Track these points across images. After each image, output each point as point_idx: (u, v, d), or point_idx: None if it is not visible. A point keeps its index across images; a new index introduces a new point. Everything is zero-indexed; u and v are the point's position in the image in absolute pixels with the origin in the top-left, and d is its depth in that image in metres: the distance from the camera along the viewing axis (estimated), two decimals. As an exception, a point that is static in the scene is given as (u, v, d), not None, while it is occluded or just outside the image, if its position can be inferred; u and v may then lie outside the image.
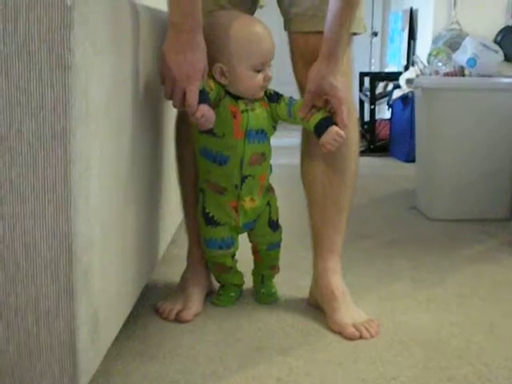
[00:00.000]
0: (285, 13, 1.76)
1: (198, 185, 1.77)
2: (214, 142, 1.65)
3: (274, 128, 1.72)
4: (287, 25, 1.75)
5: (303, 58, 1.71)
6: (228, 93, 1.63)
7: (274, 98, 1.69)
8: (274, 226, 1.83)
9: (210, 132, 1.62)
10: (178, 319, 1.74)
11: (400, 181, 3.88)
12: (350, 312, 1.72)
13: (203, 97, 1.52)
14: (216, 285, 1.93)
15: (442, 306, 1.89)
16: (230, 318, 1.78)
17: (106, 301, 1.29)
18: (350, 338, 1.65)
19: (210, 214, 1.75)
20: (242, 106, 1.63)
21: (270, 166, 1.76)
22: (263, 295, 1.90)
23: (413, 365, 1.52)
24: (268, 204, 1.80)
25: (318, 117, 1.63)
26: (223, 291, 1.89)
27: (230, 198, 1.71)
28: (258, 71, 1.62)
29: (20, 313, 1.09)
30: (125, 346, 1.56)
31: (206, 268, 1.89)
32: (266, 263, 1.90)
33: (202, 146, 1.68)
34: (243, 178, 1.68)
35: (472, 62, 3.14)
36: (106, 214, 1.24)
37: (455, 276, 2.17)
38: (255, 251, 1.89)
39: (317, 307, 1.81)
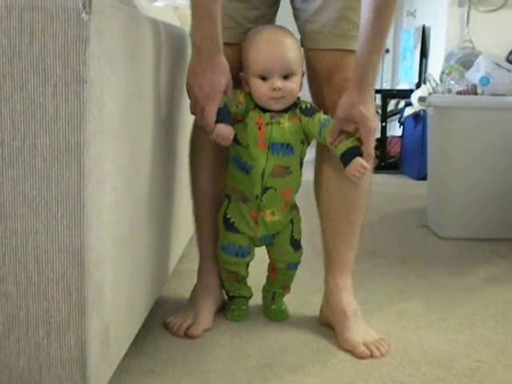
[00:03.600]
0: (301, 30, 1.76)
1: (223, 191, 1.79)
2: (242, 151, 1.68)
3: (304, 142, 1.71)
4: (303, 42, 1.74)
5: (318, 76, 1.72)
6: (257, 105, 1.66)
7: (308, 111, 1.69)
8: (296, 245, 1.83)
9: (238, 141, 1.67)
10: (188, 335, 1.73)
11: (411, 199, 3.86)
12: (360, 331, 1.71)
13: (222, 115, 1.58)
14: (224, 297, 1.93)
15: (453, 326, 1.88)
16: (239, 333, 1.77)
17: (117, 316, 1.28)
18: (361, 357, 1.64)
19: (231, 220, 1.76)
20: (267, 118, 1.65)
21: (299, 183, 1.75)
22: (274, 312, 1.89)
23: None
24: (291, 221, 1.80)
25: (346, 145, 1.62)
26: (235, 305, 1.88)
27: (251, 208, 1.72)
28: (264, 79, 1.63)
29: (31, 327, 1.09)
30: (134, 361, 1.55)
31: (217, 282, 1.89)
32: (280, 282, 1.90)
33: (235, 153, 1.70)
34: (264, 190, 1.69)
35: (485, 80, 3.13)
36: (118, 228, 1.24)
37: (466, 296, 2.16)
38: (272, 268, 1.90)
39: (328, 325, 1.80)
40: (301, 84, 1.69)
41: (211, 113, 1.58)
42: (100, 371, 1.18)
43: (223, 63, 1.57)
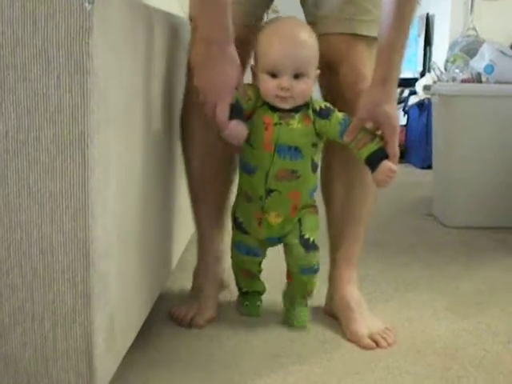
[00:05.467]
0: (308, 15, 1.71)
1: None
2: (248, 151, 1.59)
3: (316, 145, 1.60)
4: (313, 28, 1.63)
5: (326, 65, 1.61)
6: (266, 102, 1.56)
7: (324, 113, 1.57)
8: (308, 245, 1.68)
9: (246, 140, 1.55)
10: (193, 325, 1.71)
11: (416, 188, 3.85)
12: (365, 322, 1.69)
13: (236, 111, 1.49)
14: (229, 278, 1.91)
15: (459, 315, 1.87)
16: (245, 324, 1.76)
17: (123, 307, 1.28)
18: (367, 349, 1.63)
19: (240, 220, 1.70)
20: (275, 118, 1.54)
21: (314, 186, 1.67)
22: (293, 317, 1.75)
23: (430, 374, 1.50)
24: (298, 221, 1.67)
25: (370, 148, 1.53)
26: (249, 301, 1.82)
27: (255, 208, 1.64)
28: (273, 76, 1.52)
29: (37, 319, 1.09)
30: (140, 353, 1.54)
31: (217, 261, 1.83)
32: (297, 288, 1.76)
33: (241, 152, 1.63)
34: (268, 192, 1.59)
35: (489, 68, 3.11)
36: (123, 220, 1.24)
37: (472, 284, 2.15)
38: (288, 272, 1.77)
39: (333, 316, 1.79)
40: (312, 86, 1.57)
41: (224, 109, 1.47)
42: (106, 362, 1.18)
43: (234, 55, 1.48)
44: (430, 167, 3.61)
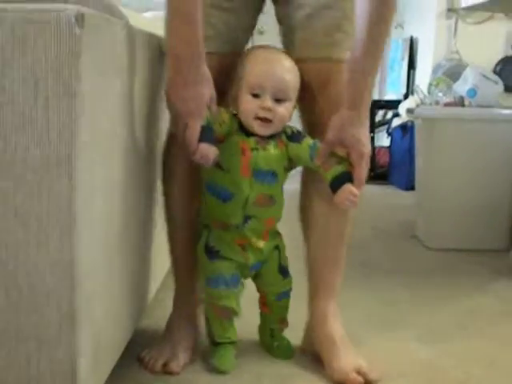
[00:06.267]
0: (289, 38, 1.62)
1: (200, 220, 1.64)
2: (220, 176, 1.53)
3: (288, 170, 1.58)
4: (292, 51, 1.59)
5: (309, 90, 1.58)
6: (242, 127, 1.52)
7: (296, 137, 1.56)
8: (285, 272, 1.68)
9: (217, 164, 1.50)
10: (166, 371, 1.59)
11: (399, 209, 3.88)
12: (350, 358, 1.60)
13: (205, 134, 1.43)
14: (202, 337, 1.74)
15: (441, 337, 1.88)
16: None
17: (107, 329, 1.29)
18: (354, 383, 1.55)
19: (216, 248, 1.59)
20: (252, 143, 1.51)
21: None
22: (278, 349, 1.73)
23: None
24: (276, 248, 1.66)
25: (336, 171, 1.51)
26: (223, 353, 1.65)
27: (235, 236, 1.58)
28: (255, 96, 1.49)
29: (22, 340, 1.09)
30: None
31: (195, 311, 1.72)
32: (275, 315, 1.73)
33: (208, 178, 1.56)
34: (246, 219, 1.55)
35: (472, 92, 3.15)
36: (107, 242, 1.24)
37: (455, 307, 2.16)
38: (263, 302, 1.73)
39: (312, 354, 1.69)
40: (291, 113, 1.56)
41: (195, 130, 1.41)
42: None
43: (206, 73, 1.42)
44: (413, 189, 3.63)
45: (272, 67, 1.51)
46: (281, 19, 1.66)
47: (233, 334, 1.67)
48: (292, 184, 1.69)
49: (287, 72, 1.52)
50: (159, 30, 1.67)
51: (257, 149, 1.52)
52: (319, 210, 1.68)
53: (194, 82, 1.41)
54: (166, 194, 1.67)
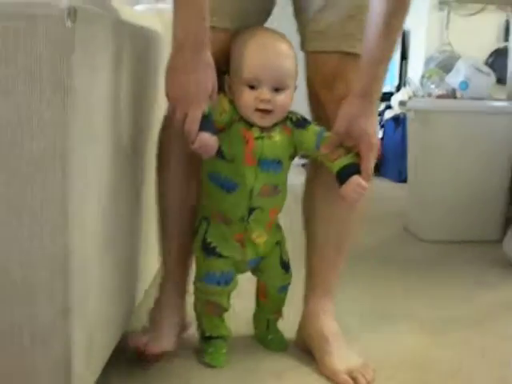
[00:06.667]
0: (302, 30, 1.59)
1: (199, 212, 1.60)
2: (224, 166, 1.49)
3: (292, 158, 1.55)
4: (304, 43, 1.58)
5: (319, 83, 1.56)
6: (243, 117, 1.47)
7: (300, 123, 1.51)
8: (286, 266, 1.67)
9: (220, 154, 1.46)
10: (146, 351, 1.57)
11: (392, 201, 3.88)
12: (342, 356, 1.59)
13: (206, 123, 1.37)
14: (190, 320, 1.73)
15: (433, 329, 1.89)
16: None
17: (100, 324, 1.29)
18: None
19: (212, 245, 1.56)
20: (256, 132, 1.46)
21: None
22: (272, 342, 1.73)
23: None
24: (278, 243, 1.63)
25: (343, 161, 1.46)
26: (214, 347, 1.64)
27: (235, 230, 1.54)
28: (252, 88, 1.44)
29: (16, 334, 1.09)
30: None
31: (180, 301, 1.68)
32: (272, 306, 1.72)
33: (211, 168, 1.52)
34: (251, 210, 1.51)
35: (464, 84, 3.16)
36: (100, 236, 1.25)
37: (447, 299, 2.18)
38: (263, 293, 1.71)
39: (305, 350, 1.69)
40: (292, 97, 1.50)
41: (195, 119, 1.36)
42: (83, 378, 1.18)
43: (209, 61, 1.37)
44: (405, 181, 3.63)
45: (267, 56, 1.44)
46: (295, 10, 1.62)
47: (223, 329, 1.66)
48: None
49: (284, 59, 1.46)
50: (149, 23, 1.67)
51: (261, 137, 1.47)
52: (323, 214, 1.67)
53: (195, 68, 1.36)
54: (160, 183, 1.63)
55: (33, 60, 1.01)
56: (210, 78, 1.38)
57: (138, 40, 1.48)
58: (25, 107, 1.02)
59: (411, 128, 3.24)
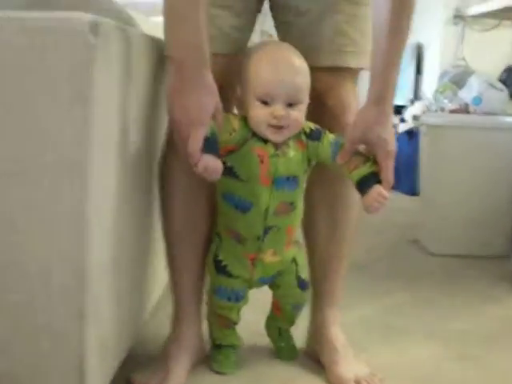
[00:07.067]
0: (295, 46, 1.51)
1: (213, 229, 1.58)
2: (238, 186, 1.45)
3: (306, 172, 1.52)
4: None
5: (312, 97, 1.48)
6: (256, 134, 1.44)
7: (315, 135, 1.48)
8: (304, 285, 1.63)
9: (233, 174, 1.44)
10: None
11: (403, 214, 3.88)
12: (351, 365, 1.60)
13: (209, 145, 1.34)
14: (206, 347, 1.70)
15: (440, 343, 1.90)
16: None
17: (114, 329, 1.33)
18: None
19: (223, 263, 1.54)
20: (270, 150, 1.43)
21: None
22: (284, 350, 1.73)
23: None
24: (294, 261, 1.59)
25: (362, 171, 1.43)
26: (223, 355, 1.65)
27: (249, 250, 1.51)
28: (265, 103, 1.40)
29: (34, 337, 1.13)
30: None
31: (194, 333, 1.63)
32: (285, 321, 1.72)
33: (225, 188, 1.48)
34: (266, 229, 1.48)
35: (477, 100, 3.18)
36: (116, 244, 1.28)
37: (455, 313, 2.19)
38: (277, 308, 1.70)
39: (315, 359, 1.70)
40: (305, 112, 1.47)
41: (198, 141, 1.32)
42: (98, 381, 1.22)
43: (211, 80, 1.34)
44: (417, 194, 3.65)
45: (280, 72, 1.40)
46: (279, 26, 1.61)
47: (234, 339, 1.67)
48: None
49: (297, 74, 1.42)
50: None
51: (276, 155, 1.44)
52: (324, 222, 1.67)
53: (196, 89, 1.33)
54: (165, 213, 1.60)
55: (55, 72, 1.05)
56: (211, 98, 1.35)
57: (154, 51, 1.49)
58: (47, 118, 1.07)
59: (424, 142, 3.26)
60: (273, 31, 1.66)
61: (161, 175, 1.58)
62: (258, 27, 1.67)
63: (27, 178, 1.08)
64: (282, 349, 1.74)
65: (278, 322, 1.73)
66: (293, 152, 1.46)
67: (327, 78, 1.55)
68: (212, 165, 1.34)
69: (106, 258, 1.21)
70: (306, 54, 1.48)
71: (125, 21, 1.40)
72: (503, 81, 4.25)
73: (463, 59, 4.72)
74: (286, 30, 1.59)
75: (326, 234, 1.68)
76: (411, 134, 4.65)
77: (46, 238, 1.09)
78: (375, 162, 1.44)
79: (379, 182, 1.43)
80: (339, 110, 1.54)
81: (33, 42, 1.05)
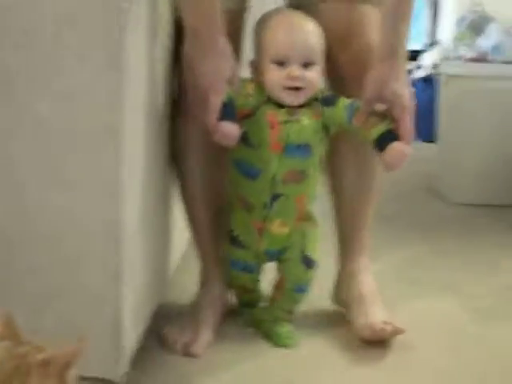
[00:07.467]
0: None
1: (224, 197, 1.55)
2: (248, 153, 1.43)
3: (322, 141, 1.47)
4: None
5: (332, 39, 1.45)
6: (272, 98, 1.41)
7: (329, 100, 1.44)
8: (309, 262, 1.53)
9: (245, 141, 1.41)
10: (188, 354, 1.46)
11: (419, 161, 3.86)
12: (378, 314, 1.55)
13: (227, 111, 1.34)
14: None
15: (461, 293, 1.91)
16: (248, 345, 1.56)
17: (144, 287, 1.36)
18: (381, 334, 1.51)
19: (235, 233, 1.51)
20: (283, 116, 1.40)
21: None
22: (281, 336, 1.56)
23: (435, 350, 1.56)
24: (302, 235, 1.52)
25: (380, 129, 1.39)
26: (247, 308, 1.66)
27: (256, 218, 1.47)
28: (281, 65, 1.39)
29: (70, 297, 1.17)
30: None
31: (221, 288, 1.61)
32: (285, 304, 1.59)
33: (236, 155, 1.46)
34: (274, 197, 1.44)
35: (496, 49, 3.16)
36: (144, 206, 1.31)
37: (474, 263, 2.19)
38: (278, 287, 1.58)
39: (341, 306, 1.67)
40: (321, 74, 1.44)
41: (215, 107, 1.32)
42: (132, 339, 1.27)
43: (226, 46, 1.34)
44: (432, 141, 3.65)
45: (295, 34, 1.40)
46: None
47: (257, 297, 1.65)
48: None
49: (312, 36, 1.41)
50: None
51: (289, 121, 1.40)
52: (351, 170, 1.62)
53: (212, 55, 1.33)
54: (183, 172, 1.58)
55: (88, 38, 1.08)
56: (227, 63, 1.36)
57: (172, 12, 1.44)
58: (79, 84, 1.09)
59: (443, 91, 3.24)
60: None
61: (174, 135, 1.54)
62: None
63: (61, 144, 1.11)
64: (278, 335, 1.56)
65: (276, 308, 1.59)
66: (307, 120, 1.42)
67: (350, 16, 1.48)
68: (229, 130, 1.34)
69: (137, 218, 1.24)
70: None
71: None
72: (521, 26, 4.21)
73: (480, 5, 4.67)
74: None
75: (354, 181, 1.63)
76: (428, 81, 4.62)
77: (82, 201, 1.13)
78: (393, 119, 1.41)
79: (397, 138, 1.39)
80: (366, 55, 1.45)
81: (64, 9, 1.06)
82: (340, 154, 1.62)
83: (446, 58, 3.60)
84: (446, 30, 4.81)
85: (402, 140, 1.39)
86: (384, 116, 1.42)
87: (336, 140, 1.56)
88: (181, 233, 1.75)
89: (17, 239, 1.15)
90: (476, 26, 4.12)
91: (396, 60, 1.39)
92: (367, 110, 1.41)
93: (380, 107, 1.41)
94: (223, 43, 1.34)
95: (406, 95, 1.40)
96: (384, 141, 1.39)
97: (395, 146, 1.38)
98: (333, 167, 1.64)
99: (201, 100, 1.34)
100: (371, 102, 1.41)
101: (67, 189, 1.12)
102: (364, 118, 1.41)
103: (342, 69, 1.51)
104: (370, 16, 1.48)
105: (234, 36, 1.46)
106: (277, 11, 1.49)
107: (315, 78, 1.41)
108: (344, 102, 1.44)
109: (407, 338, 1.58)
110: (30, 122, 1.10)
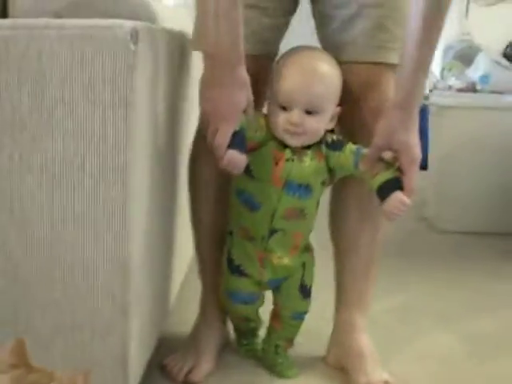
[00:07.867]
0: (329, 40, 1.52)
1: (226, 226, 1.57)
2: (251, 184, 1.45)
3: (324, 183, 1.48)
4: (334, 54, 1.47)
5: (350, 95, 1.47)
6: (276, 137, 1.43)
7: (336, 145, 1.45)
8: (305, 292, 1.58)
9: (249, 172, 1.42)
10: (188, 380, 1.53)
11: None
12: (378, 372, 1.54)
13: (237, 140, 1.35)
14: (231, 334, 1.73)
15: (452, 320, 1.95)
16: (249, 375, 1.60)
17: (150, 316, 1.39)
18: None
19: (236, 262, 1.53)
20: (287, 153, 1.42)
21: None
22: (282, 366, 1.61)
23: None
24: (303, 265, 1.55)
25: (384, 176, 1.39)
26: (247, 339, 1.70)
27: (257, 248, 1.49)
28: (284, 109, 1.40)
29: (77, 329, 1.19)
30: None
31: (222, 317, 1.67)
32: (284, 333, 1.63)
33: (238, 184, 1.48)
34: (272, 231, 1.46)
35: (484, 78, 3.21)
36: (149, 239, 1.33)
37: (465, 290, 2.22)
38: (276, 316, 1.62)
39: (338, 367, 1.63)
40: (327, 122, 1.44)
41: (226, 135, 1.33)
42: (138, 369, 1.29)
43: (244, 76, 1.34)
44: (424, 168, 3.69)
45: (302, 79, 1.39)
46: (318, 19, 1.56)
47: (256, 324, 1.68)
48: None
49: (320, 82, 1.40)
50: (182, 21, 1.67)
51: (292, 159, 1.42)
52: (351, 215, 1.61)
53: (229, 84, 1.33)
54: (193, 199, 1.62)
55: (97, 78, 1.10)
56: (243, 95, 1.35)
57: (174, 48, 1.49)
58: (88, 123, 1.11)
59: (434, 121, 3.29)
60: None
61: (190, 165, 1.60)
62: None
63: (70, 182, 1.13)
64: (280, 365, 1.62)
65: (276, 337, 1.64)
66: (309, 161, 1.43)
67: (368, 75, 1.49)
68: (237, 159, 1.35)
69: (143, 254, 1.26)
70: (345, 47, 1.48)
71: (148, 16, 1.40)
72: (507, 55, 4.28)
73: (468, 34, 4.73)
74: (324, 23, 1.53)
75: (357, 233, 1.61)
76: (419, 110, 4.67)
77: (90, 237, 1.15)
78: (398, 168, 1.39)
79: (400, 188, 1.37)
80: (382, 110, 1.43)
81: (73, 50, 1.09)
82: (342, 207, 1.63)
83: (435, 88, 3.66)
84: (434, 60, 4.86)
85: (405, 191, 1.37)
86: (390, 164, 1.41)
87: (340, 190, 1.61)
88: (180, 264, 1.78)
89: (26, 274, 1.17)
90: (464, 56, 4.18)
91: (409, 110, 1.37)
92: (374, 157, 1.41)
93: (387, 155, 1.41)
94: (242, 73, 1.34)
95: (415, 146, 1.38)
96: (387, 189, 1.38)
97: (397, 196, 1.36)
98: (334, 219, 1.65)
99: (213, 127, 1.35)
100: (380, 149, 1.40)
101: (76, 225, 1.14)
102: (370, 164, 1.41)
103: (359, 122, 1.51)
104: (386, 74, 1.49)
105: (257, 79, 1.44)
106: (295, 50, 1.47)
107: (316, 127, 1.41)
108: (351, 147, 1.44)
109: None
110: (40, 160, 1.12)
